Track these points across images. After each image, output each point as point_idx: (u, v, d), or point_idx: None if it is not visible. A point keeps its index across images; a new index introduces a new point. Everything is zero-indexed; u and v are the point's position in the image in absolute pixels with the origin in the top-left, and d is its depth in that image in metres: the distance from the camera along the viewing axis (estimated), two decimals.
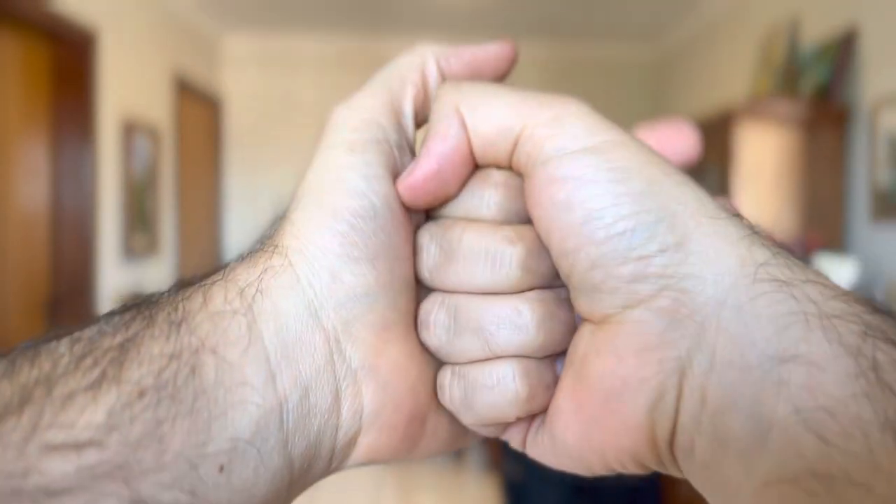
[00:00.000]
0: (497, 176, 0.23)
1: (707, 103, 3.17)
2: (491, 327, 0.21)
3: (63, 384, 0.17)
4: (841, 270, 1.78)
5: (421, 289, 0.24)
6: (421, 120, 0.24)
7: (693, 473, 0.19)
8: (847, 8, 2.17)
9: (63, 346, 0.18)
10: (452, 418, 0.23)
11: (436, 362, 0.23)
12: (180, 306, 0.19)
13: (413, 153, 0.24)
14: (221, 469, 0.17)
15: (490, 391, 0.21)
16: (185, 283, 0.20)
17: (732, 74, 3.03)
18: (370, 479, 3.50)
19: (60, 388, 0.17)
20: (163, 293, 0.20)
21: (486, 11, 3.53)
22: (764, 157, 2.11)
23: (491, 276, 0.21)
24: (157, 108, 3.16)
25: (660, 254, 0.19)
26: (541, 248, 0.22)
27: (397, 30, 3.82)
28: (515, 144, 0.22)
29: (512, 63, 0.25)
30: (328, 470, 0.21)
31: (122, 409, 0.17)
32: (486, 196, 0.23)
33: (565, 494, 2.99)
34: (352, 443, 0.20)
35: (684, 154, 0.28)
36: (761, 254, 0.19)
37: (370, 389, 0.20)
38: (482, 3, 3.41)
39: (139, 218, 2.97)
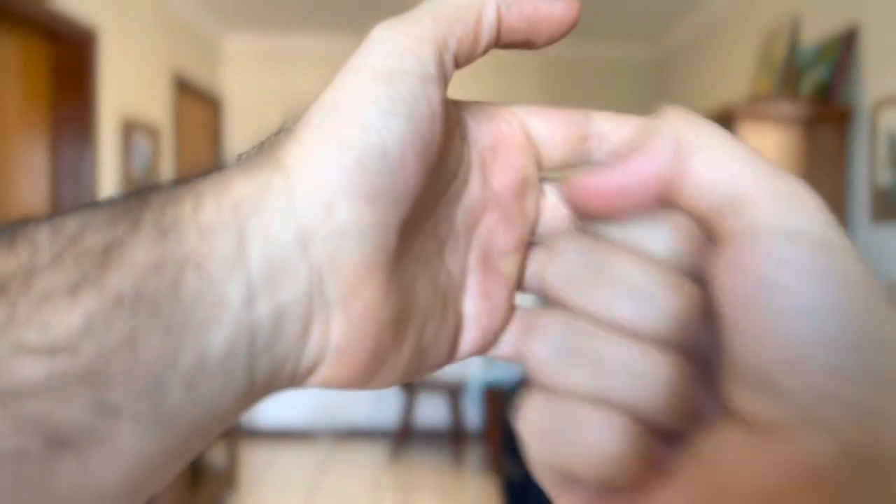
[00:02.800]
0: (681, 218, 0.20)
1: (707, 103, 3.17)
2: (614, 367, 0.19)
3: (41, 280, 0.16)
4: None
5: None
6: (463, 61, 0.22)
7: None
8: (847, 8, 2.17)
9: (42, 236, 0.17)
10: (410, 360, 0.22)
11: (405, 308, 0.22)
12: (169, 211, 0.18)
13: (445, 89, 0.22)
14: (188, 384, 0.17)
15: (588, 435, 0.19)
16: (176, 184, 0.19)
17: (733, 74, 3.03)
18: (370, 479, 3.49)
19: (38, 284, 0.16)
20: (152, 190, 0.19)
21: None
22: (764, 156, 2.11)
23: (634, 313, 0.19)
24: (156, 107, 3.16)
25: (869, 381, 0.17)
26: (699, 316, 0.19)
27: None
28: (731, 206, 0.19)
29: (572, 26, 0.23)
30: (283, 388, 0.20)
31: (100, 316, 0.16)
32: (663, 232, 0.20)
33: None
34: (312, 370, 0.20)
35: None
36: None
37: (339, 324, 0.20)
38: None
39: None
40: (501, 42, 0.23)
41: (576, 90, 4.05)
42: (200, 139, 3.75)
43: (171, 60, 3.33)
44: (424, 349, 0.23)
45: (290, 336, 0.19)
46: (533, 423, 0.20)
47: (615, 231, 0.21)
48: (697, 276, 0.20)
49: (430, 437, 3.98)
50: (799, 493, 0.17)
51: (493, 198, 0.24)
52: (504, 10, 0.22)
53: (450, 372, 3.93)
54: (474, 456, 3.81)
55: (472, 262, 0.24)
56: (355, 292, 0.20)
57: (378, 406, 4.12)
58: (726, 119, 2.13)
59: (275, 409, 4.06)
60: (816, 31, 2.34)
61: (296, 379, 0.20)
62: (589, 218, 0.21)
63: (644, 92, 4.07)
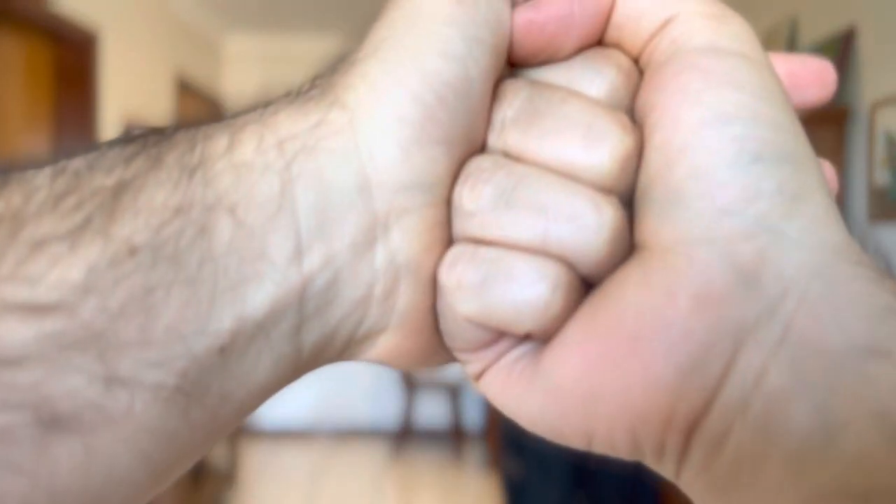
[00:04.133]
0: (622, 59, 0.19)
1: None
2: (558, 213, 0.17)
3: (34, 226, 0.14)
4: None
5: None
6: None
7: (707, 475, 0.16)
8: (845, 9, 2.18)
9: (42, 177, 0.14)
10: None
11: None
12: (198, 147, 0.15)
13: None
14: (221, 351, 0.15)
15: (519, 288, 0.17)
16: (210, 119, 0.17)
17: None
18: (370, 479, 3.50)
19: (30, 231, 0.13)
20: (179, 127, 0.16)
21: None
22: None
23: (582, 155, 0.17)
24: (158, 108, 3.16)
25: (772, 195, 0.16)
26: (639, 156, 0.18)
27: None
28: (663, 27, 0.18)
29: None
30: (334, 361, 0.18)
31: (107, 268, 0.14)
32: (605, 73, 0.18)
33: (565, 492, 3.00)
34: (371, 340, 0.18)
35: (813, 100, 0.23)
36: (858, 246, 0.16)
37: (409, 289, 0.17)
38: None
39: None
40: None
41: None
42: None
43: (172, 62, 3.34)
44: None
45: (349, 299, 0.16)
46: (461, 275, 0.17)
47: (554, 74, 0.19)
48: (634, 119, 0.19)
49: (431, 437, 3.99)
50: (686, 312, 0.16)
51: None
52: None
53: (450, 371, 3.93)
54: (474, 455, 3.82)
55: None
56: (429, 251, 0.17)
57: (378, 405, 4.12)
58: None
59: (275, 409, 4.07)
60: (814, 32, 2.35)
61: (349, 349, 0.18)
62: (529, 62, 0.19)
63: None
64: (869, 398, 0.14)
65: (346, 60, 0.18)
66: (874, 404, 0.14)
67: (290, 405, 4.07)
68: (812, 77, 0.22)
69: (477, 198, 0.17)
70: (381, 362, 0.19)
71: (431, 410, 4.03)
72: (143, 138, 0.16)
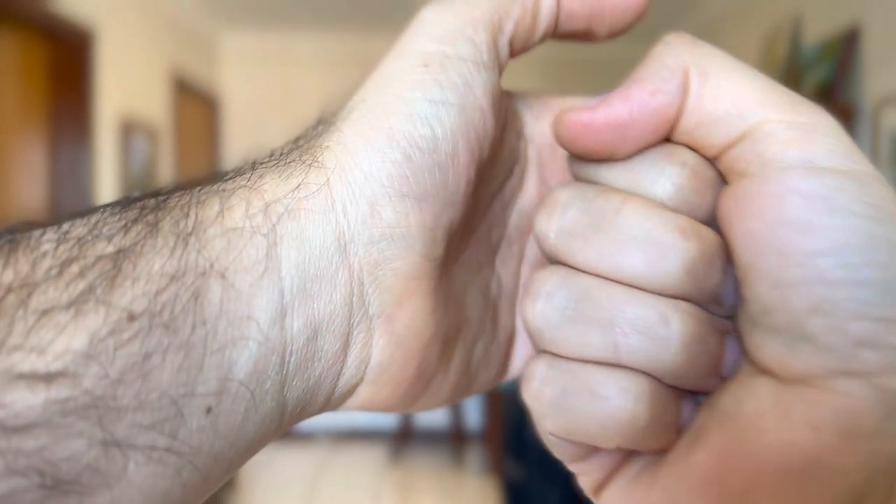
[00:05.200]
0: (689, 156, 0.18)
1: None
2: (624, 326, 0.17)
3: (41, 294, 0.14)
4: None
5: (507, 252, 0.20)
6: (518, 48, 0.20)
7: None
8: (849, 7, 2.17)
9: (47, 242, 0.15)
10: (458, 379, 0.20)
11: (453, 322, 0.20)
12: (192, 213, 0.16)
13: (499, 77, 0.20)
14: (209, 411, 0.15)
15: (601, 402, 0.17)
16: (201, 181, 0.17)
17: None
18: (370, 480, 3.49)
19: (37, 300, 0.14)
20: (174, 190, 0.17)
21: None
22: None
23: (644, 269, 0.17)
24: (155, 107, 3.15)
25: None
26: (715, 258, 0.18)
27: (398, 30, 3.80)
28: (743, 138, 0.17)
29: (637, 18, 0.21)
30: (319, 413, 0.19)
31: (107, 336, 0.14)
32: (668, 174, 0.18)
33: (565, 495, 2.98)
34: (350, 392, 0.18)
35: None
36: None
37: (382, 341, 0.18)
38: None
39: None
40: (560, 30, 0.21)
41: (574, 90, 4.04)
42: (199, 139, 3.74)
43: (169, 60, 3.33)
44: (474, 367, 0.21)
45: (327, 354, 0.17)
46: (542, 393, 0.18)
47: (614, 173, 0.19)
48: (709, 220, 0.18)
49: (430, 438, 3.98)
50: (835, 446, 0.15)
51: None
52: None
53: None
54: (474, 457, 3.81)
55: (526, 270, 0.22)
56: (400, 304, 0.18)
57: None
58: None
59: None
60: (818, 30, 2.33)
61: (332, 401, 0.18)
62: (584, 158, 0.19)
63: None
64: None
65: (324, 122, 0.19)
66: None
67: None
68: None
69: (542, 314, 0.18)
70: (364, 409, 0.19)
71: (431, 412, 4.02)
72: (140, 203, 0.16)
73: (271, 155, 0.19)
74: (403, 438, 3.79)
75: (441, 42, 0.19)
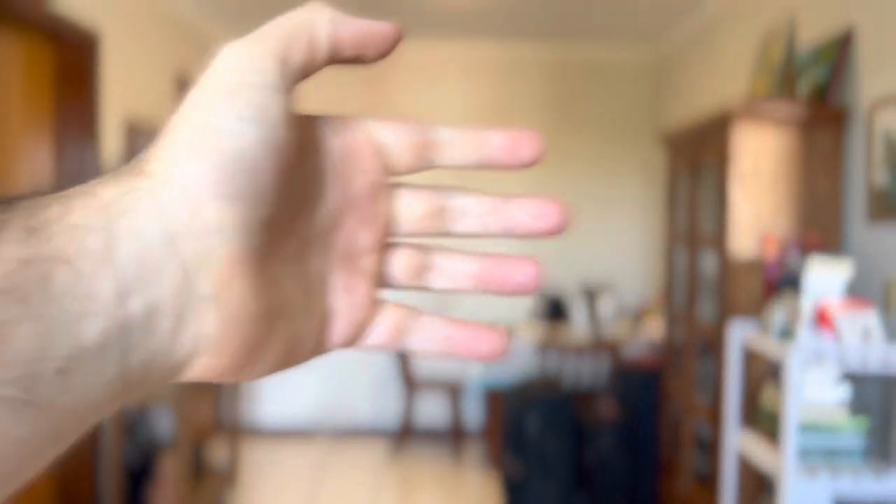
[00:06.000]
0: None
1: (705, 104, 3.19)
2: None
3: None
4: (837, 270, 1.79)
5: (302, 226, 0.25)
6: (304, 73, 0.25)
7: None
8: (844, 9, 2.19)
9: None
10: (281, 351, 0.25)
11: (275, 302, 0.24)
12: (38, 213, 0.19)
13: (291, 98, 0.25)
14: (60, 371, 0.18)
15: None
16: (41, 193, 0.21)
17: (730, 75, 3.04)
18: (371, 478, 3.50)
19: None
20: (20, 198, 0.20)
21: (486, 12, 3.54)
22: (761, 157, 2.13)
23: None
24: (159, 108, 3.17)
25: None
26: None
27: None
28: None
29: (395, 44, 0.26)
30: (162, 381, 0.22)
31: None
32: None
33: (564, 492, 3.00)
34: (187, 362, 0.22)
35: (528, 159, 0.28)
36: None
37: (212, 318, 0.22)
38: (482, 4, 3.42)
39: None
40: (336, 57, 0.26)
41: (574, 91, 4.06)
42: None
43: (173, 62, 3.34)
44: (295, 341, 0.25)
45: (164, 330, 0.21)
46: None
47: None
48: None
49: (431, 436, 3.99)
50: None
51: (349, 202, 0.27)
52: (334, 30, 0.25)
53: (449, 371, 3.94)
54: (474, 454, 3.82)
55: (335, 260, 0.27)
56: (226, 287, 0.22)
57: (378, 404, 4.13)
58: (724, 120, 2.15)
59: (276, 408, 4.07)
60: (813, 32, 2.35)
61: (171, 371, 0.22)
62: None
63: (642, 93, 4.08)
64: None
65: (152, 144, 0.23)
66: None
67: (290, 405, 4.08)
68: (526, 140, 0.27)
69: None
70: (201, 377, 0.23)
71: (431, 410, 4.03)
72: None
73: (106, 174, 0.22)
74: (404, 435, 3.81)
75: (238, 72, 0.23)
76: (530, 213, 0.27)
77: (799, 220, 2.14)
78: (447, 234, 0.28)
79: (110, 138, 2.70)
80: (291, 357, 0.25)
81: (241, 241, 0.22)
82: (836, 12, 2.23)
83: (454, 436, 3.83)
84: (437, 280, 0.28)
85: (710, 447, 2.41)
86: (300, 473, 3.50)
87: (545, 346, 3.55)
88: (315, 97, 3.96)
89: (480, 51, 4.08)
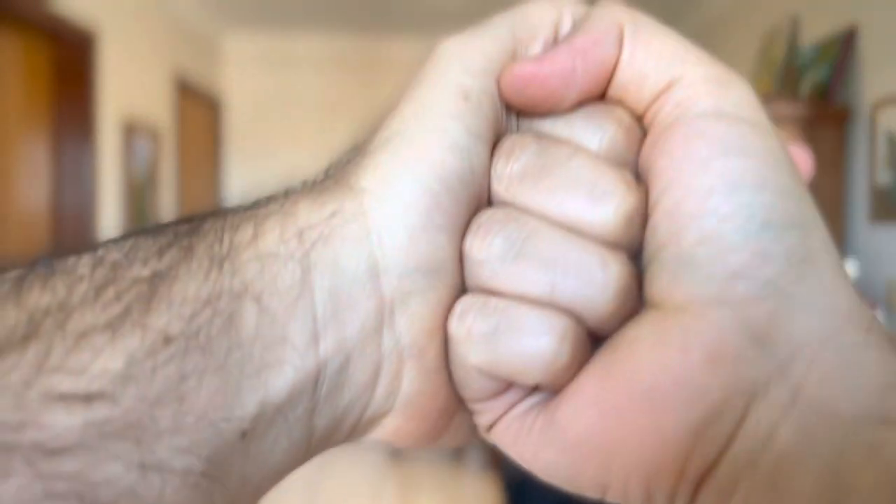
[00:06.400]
0: (623, 114, 0.19)
1: None
2: (566, 267, 0.17)
3: (79, 317, 0.14)
4: None
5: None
6: None
7: None
8: (847, 8, 2.17)
9: (83, 266, 0.15)
10: None
11: None
12: (226, 237, 0.16)
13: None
14: (244, 435, 0.15)
15: (528, 339, 0.17)
16: (235, 208, 0.17)
17: None
18: (370, 479, 3.50)
19: (75, 322, 0.14)
20: (207, 215, 0.17)
21: (486, 12, 3.52)
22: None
23: (588, 212, 0.18)
24: (157, 108, 3.16)
25: (782, 259, 0.16)
26: (645, 214, 0.18)
27: (397, 29, 3.82)
28: (666, 90, 0.19)
29: None
30: (343, 442, 0.18)
31: (144, 358, 0.14)
32: (606, 128, 0.19)
33: (565, 495, 2.98)
34: (376, 422, 0.18)
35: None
36: (869, 311, 0.17)
37: (412, 372, 0.18)
38: (482, 5, 3.41)
39: (139, 218, 2.97)
40: None
41: None
42: (201, 140, 3.75)
43: (171, 61, 3.34)
44: None
45: (358, 382, 0.17)
46: (473, 327, 0.18)
47: (556, 127, 0.20)
48: (634, 176, 0.19)
49: None
50: (700, 370, 0.16)
51: None
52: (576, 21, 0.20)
53: None
54: (475, 456, 3.82)
55: None
56: (430, 336, 0.18)
57: None
58: None
59: None
60: (816, 31, 2.34)
61: (357, 431, 0.18)
62: (528, 112, 0.20)
63: None
64: (877, 465, 0.15)
65: (358, 151, 0.19)
66: (882, 472, 0.14)
67: None
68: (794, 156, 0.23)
69: (487, 247, 0.18)
70: (388, 442, 0.19)
71: None
72: (174, 228, 0.16)
73: (304, 183, 0.19)
74: None
75: (476, 76, 0.19)
76: None
77: None
78: None
79: (108, 138, 2.69)
80: None
81: (454, 282, 0.18)
82: (838, 11, 2.22)
83: None
84: None
85: None
86: (299, 474, 3.48)
87: None
88: (310, 95, 3.96)
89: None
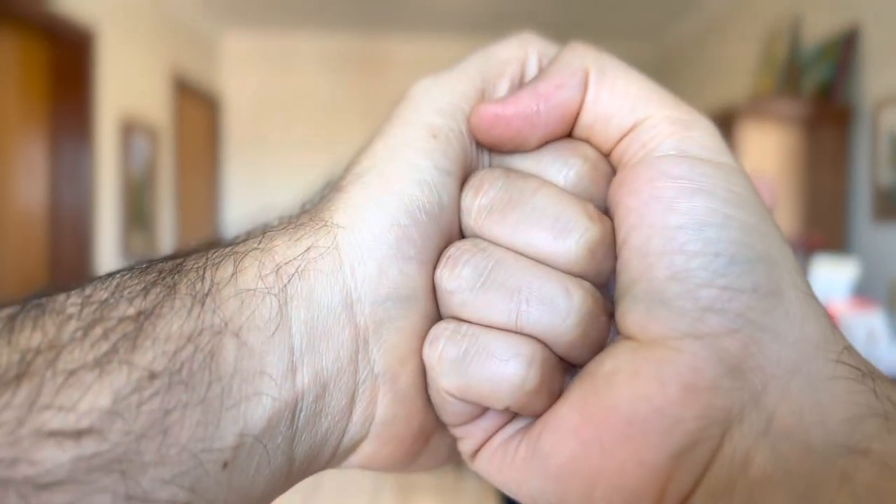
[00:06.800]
0: (589, 151, 0.21)
1: (709, 103, 3.17)
2: (530, 296, 0.18)
3: (68, 356, 0.15)
4: (842, 270, 1.77)
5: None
6: None
7: None
8: (849, 7, 2.17)
9: (71, 306, 0.16)
10: (455, 439, 0.21)
11: None
12: (207, 275, 0.17)
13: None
14: (225, 465, 0.16)
15: (496, 364, 0.18)
16: (215, 244, 0.18)
17: (734, 74, 3.02)
18: (369, 480, 3.50)
19: (64, 361, 0.15)
20: (190, 253, 0.18)
21: (486, 12, 3.52)
22: (766, 156, 2.11)
23: (552, 244, 0.19)
24: (155, 107, 3.15)
25: (749, 293, 0.17)
26: (611, 244, 0.19)
27: (397, 29, 3.81)
28: (631, 130, 0.20)
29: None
30: (322, 469, 0.19)
31: (130, 394, 0.15)
32: (572, 164, 0.20)
33: None
34: (354, 448, 0.19)
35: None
36: (842, 339, 0.18)
37: (386, 398, 0.19)
38: (482, 4, 3.41)
39: (137, 217, 2.96)
40: None
41: None
42: (199, 139, 3.74)
43: (170, 60, 3.33)
44: None
45: (334, 410, 0.18)
46: (444, 353, 0.19)
47: (525, 163, 0.21)
48: (602, 210, 0.20)
49: None
50: (676, 400, 0.17)
51: None
52: (545, 61, 0.22)
53: None
54: None
55: None
56: (403, 363, 0.19)
57: None
58: (728, 119, 2.13)
59: None
60: (818, 30, 2.33)
61: (336, 457, 0.19)
62: (497, 150, 0.21)
63: None
64: (849, 493, 0.15)
65: (332, 187, 0.20)
66: (854, 500, 0.15)
67: None
68: (759, 186, 0.24)
69: (456, 277, 0.19)
70: (366, 468, 0.20)
71: None
72: (158, 266, 0.17)
73: (281, 219, 0.20)
74: None
75: (442, 115, 0.20)
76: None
77: (803, 219, 2.12)
78: None
79: (106, 137, 2.68)
80: None
81: (425, 310, 0.19)
82: (840, 10, 2.21)
83: None
84: None
85: None
86: None
87: None
88: (309, 94, 3.95)
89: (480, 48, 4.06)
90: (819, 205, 2.13)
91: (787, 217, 2.12)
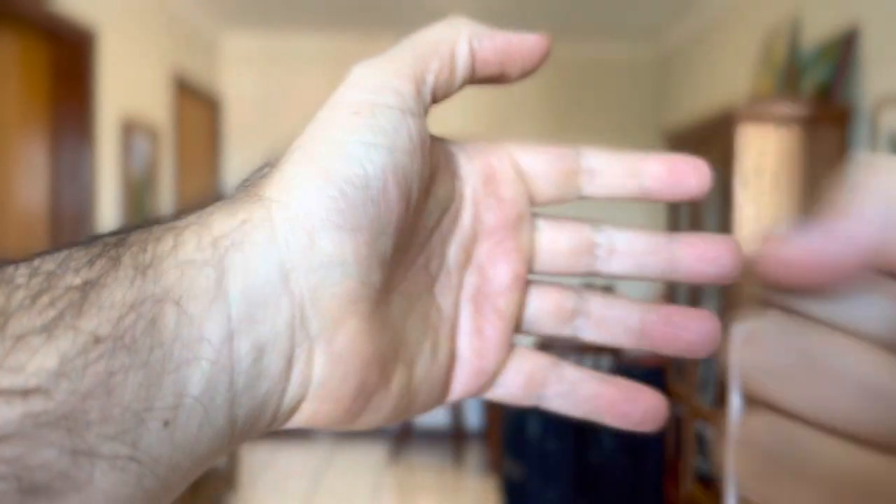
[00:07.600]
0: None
1: (708, 103, 3.17)
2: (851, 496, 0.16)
3: (16, 322, 0.16)
4: None
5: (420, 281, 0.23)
6: (440, 95, 0.23)
7: None
8: (848, 8, 2.17)
9: (20, 276, 0.17)
10: (398, 399, 0.22)
11: (392, 344, 0.21)
12: (149, 248, 0.18)
13: (425, 122, 0.22)
14: (166, 424, 0.17)
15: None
16: (157, 221, 0.19)
17: (733, 74, 3.02)
18: (369, 480, 3.50)
19: (13, 326, 0.16)
20: (132, 229, 0.19)
21: (486, 11, 3.52)
22: (765, 157, 2.11)
23: (863, 415, 0.16)
24: (156, 107, 3.16)
25: None
26: None
27: (397, 29, 3.81)
28: None
29: (543, 59, 0.24)
30: (267, 429, 0.20)
31: (76, 356, 0.16)
32: (878, 307, 0.16)
33: (565, 494, 2.99)
34: (295, 408, 0.20)
35: (694, 191, 0.24)
36: None
37: (323, 360, 0.20)
38: (482, 4, 3.41)
39: (138, 217, 2.97)
40: (477, 76, 0.23)
41: (575, 90, 4.04)
42: (200, 139, 3.74)
43: (170, 60, 3.33)
44: (414, 388, 0.23)
45: (272, 372, 0.19)
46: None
47: (818, 307, 0.17)
48: None
49: (430, 438, 3.98)
50: None
51: (486, 233, 0.24)
52: (476, 44, 0.23)
53: None
54: (474, 456, 3.81)
55: (465, 298, 0.24)
56: (338, 325, 0.20)
57: None
58: (727, 119, 2.13)
59: None
60: (817, 31, 2.33)
61: (278, 417, 0.20)
62: (784, 290, 0.17)
63: (644, 92, 4.06)
64: None
65: (269, 166, 0.21)
66: None
67: None
68: (690, 169, 0.24)
69: (751, 465, 0.17)
70: (309, 426, 0.21)
71: (431, 412, 4.01)
72: (103, 240, 0.18)
73: (221, 198, 0.21)
74: (403, 437, 3.79)
75: (370, 92, 0.21)
76: (698, 254, 0.24)
77: (803, 219, 2.12)
78: (595, 274, 0.24)
79: (106, 137, 2.68)
80: (410, 405, 0.23)
81: (359, 276, 0.20)
82: (840, 10, 2.21)
83: (454, 438, 3.82)
84: (588, 330, 0.24)
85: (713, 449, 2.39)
86: (299, 475, 3.49)
87: (546, 347, 3.54)
88: (309, 94, 3.95)
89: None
90: (818, 205, 2.13)
91: (787, 218, 2.12)
